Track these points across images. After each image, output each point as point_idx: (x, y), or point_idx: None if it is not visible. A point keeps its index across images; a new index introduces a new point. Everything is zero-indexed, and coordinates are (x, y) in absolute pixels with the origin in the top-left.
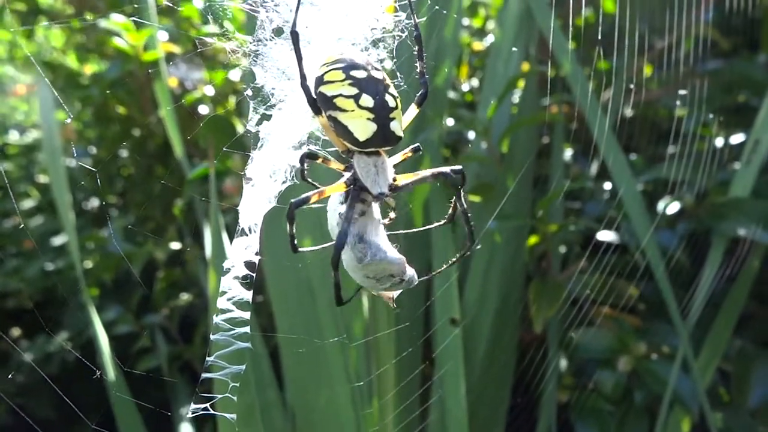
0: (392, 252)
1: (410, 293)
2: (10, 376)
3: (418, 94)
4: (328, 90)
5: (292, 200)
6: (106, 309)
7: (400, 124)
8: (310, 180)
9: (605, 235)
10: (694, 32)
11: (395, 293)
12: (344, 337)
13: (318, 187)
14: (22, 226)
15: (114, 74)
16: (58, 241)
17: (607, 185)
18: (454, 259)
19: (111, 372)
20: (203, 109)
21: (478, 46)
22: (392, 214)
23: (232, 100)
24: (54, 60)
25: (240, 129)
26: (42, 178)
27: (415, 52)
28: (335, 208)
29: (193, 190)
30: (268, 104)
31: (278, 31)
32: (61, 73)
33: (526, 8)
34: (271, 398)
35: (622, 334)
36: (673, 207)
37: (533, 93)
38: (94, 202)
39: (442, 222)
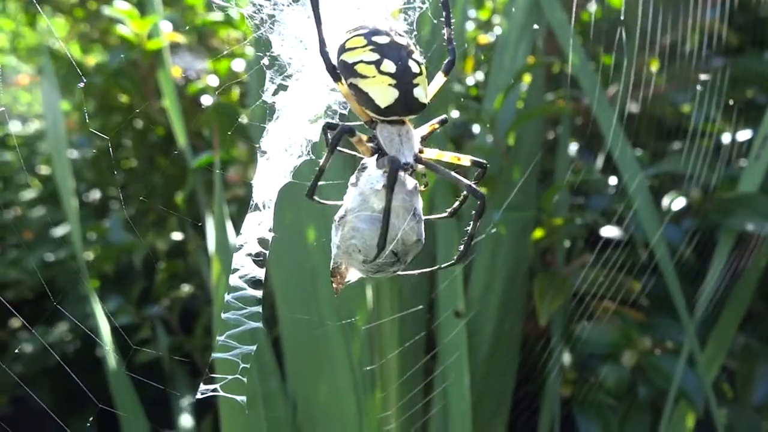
0: (422, 233)
1: (415, 283)
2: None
3: (445, 62)
4: (349, 57)
5: (342, 125)
6: (106, 300)
7: (424, 91)
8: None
9: (610, 231)
10: (701, 27)
11: (351, 277)
12: (356, 319)
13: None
14: (23, 216)
15: (117, 62)
16: (58, 232)
17: (613, 180)
18: (442, 265)
19: (113, 362)
20: (206, 99)
21: (484, 39)
22: (422, 187)
23: (235, 90)
24: (58, 50)
25: (244, 119)
26: (43, 169)
27: (442, 19)
28: (375, 181)
29: (196, 180)
30: (285, 74)
31: None
32: (64, 63)
33: (534, 1)
34: (273, 386)
35: (626, 328)
36: (679, 202)
37: (540, 86)
38: (95, 194)
39: (444, 215)
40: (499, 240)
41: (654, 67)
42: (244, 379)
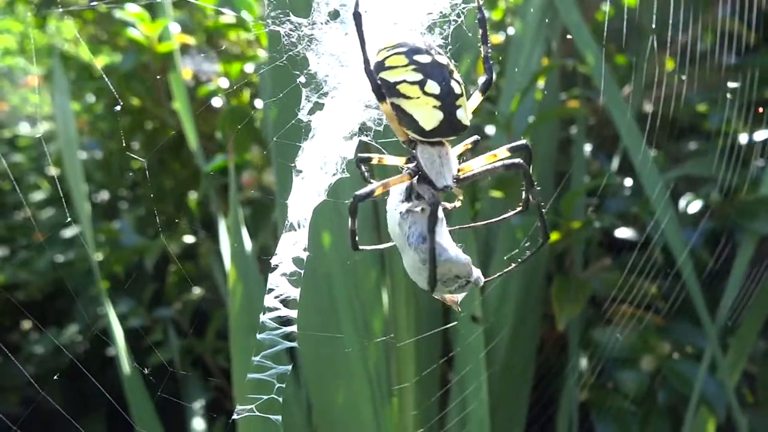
0: (457, 252)
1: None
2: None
3: (482, 81)
4: (390, 76)
5: (357, 193)
6: (118, 302)
7: (466, 112)
8: (372, 182)
9: (625, 232)
10: (716, 25)
11: (459, 297)
12: (392, 336)
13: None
14: (33, 217)
15: (128, 66)
16: (68, 233)
17: (628, 181)
18: (526, 257)
19: (126, 364)
20: (217, 102)
21: (496, 39)
22: (458, 203)
23: (246, 93)
24: (67, 51)
25: (257, 124)
26: (52, 170)
27: (480, 36)
28: (395, 207)
29: (209, 183)
30: (321, 92)
31: (334, 14)
32: (74, 65)
33: (549, 1)
34: (289, 394)
35: (645, 333)
36: (697, 204)
37: (555, 87)
38: (103, 195)
39: (518, 210)
40: (516, 244)
41: (669, 66)
42: (279, 399)
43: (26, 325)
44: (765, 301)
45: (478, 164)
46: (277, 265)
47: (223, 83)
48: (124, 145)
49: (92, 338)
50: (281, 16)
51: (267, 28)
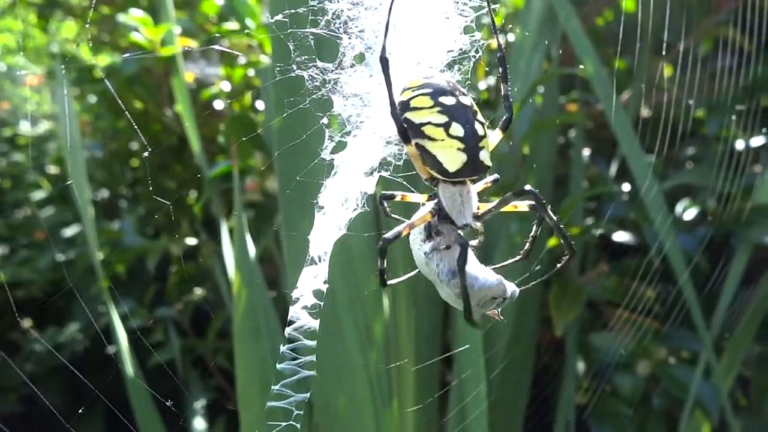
0: (489, 275)
1: (430, 293)
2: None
3: (502, 119)
4: (415, 117)
5: (385, 236)
6: (118, 302)
7: (488, 153)
8: (394, 216)
9: (622, 236)
10: (714, 31)
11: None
12: (405, 361)
13: (404, 221)
14: (32, 216)
15: (130, 69)
16: (69, 232)
17: (626, 186)
18: (553, 271)
19: (129, 364)
20: (219, 104)
21: (495, 44)
22: (476, 241)
23: (248, 96)
24: (67, 52)
25: (260, 129)
26: (53, 169)
27: (499, 74)
28: (419, 247)
29: (212, 188)
30: (344, 131)
31: (359, 58)
32: (74, 66)
33: (549, 7)
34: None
35: (642, 337)
36: (693, 210)
37: (554, 93)
38: (103, 193)
39: (518, 258)
40: (514, 249)
41: (667, 72)
42: (297, 425)
43: (26, 323)
44: (759, 306)
45: (496, 203)
46: (298, 298)
47: (225, 86)
48: (127, 146)
49: (92, 336)
50: (307, 61)
51: (292, 73)
